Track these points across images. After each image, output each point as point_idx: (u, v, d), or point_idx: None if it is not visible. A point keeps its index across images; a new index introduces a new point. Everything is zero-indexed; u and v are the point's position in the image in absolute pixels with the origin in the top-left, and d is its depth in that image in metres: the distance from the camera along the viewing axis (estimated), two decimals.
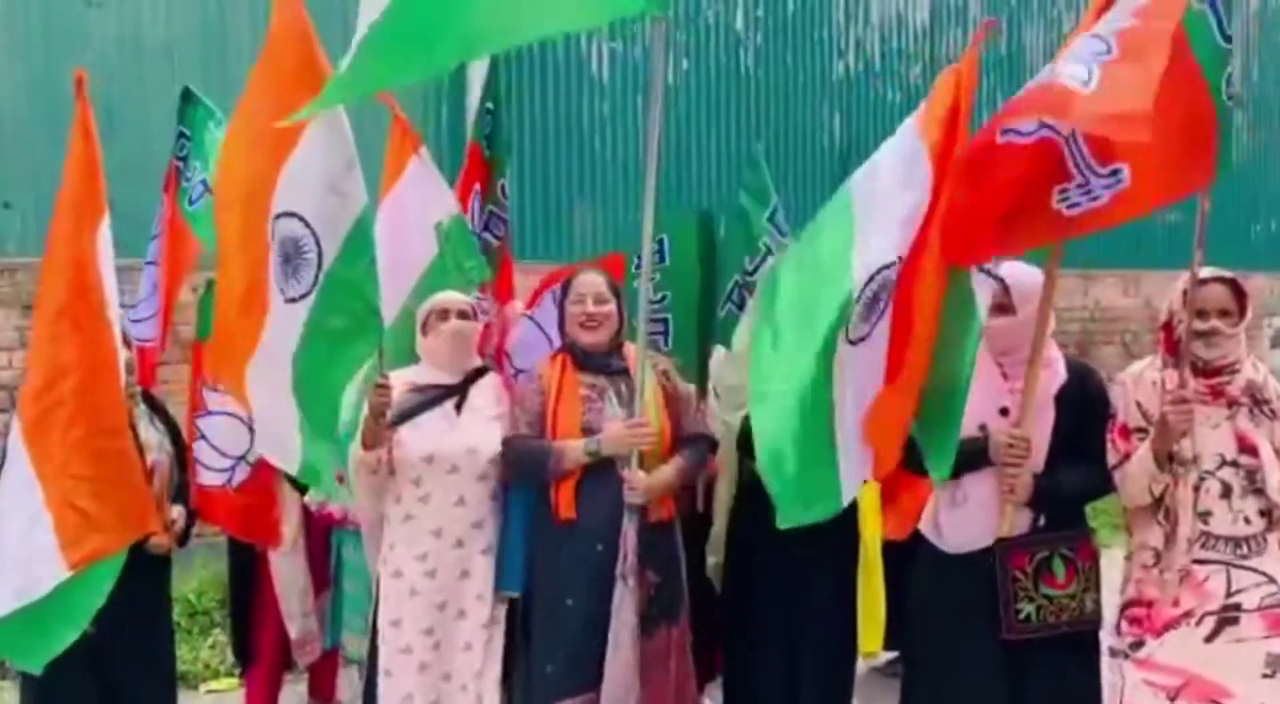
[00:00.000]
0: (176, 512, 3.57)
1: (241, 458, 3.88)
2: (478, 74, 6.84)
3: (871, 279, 2.95)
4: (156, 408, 3.66)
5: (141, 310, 4.30)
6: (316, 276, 3.20)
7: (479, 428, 3.57)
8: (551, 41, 7.44)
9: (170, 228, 4.23)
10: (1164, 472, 3.08)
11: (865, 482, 3.26)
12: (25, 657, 3.10)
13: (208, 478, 3.83)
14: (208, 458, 3.85)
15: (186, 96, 4.29)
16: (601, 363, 3.54)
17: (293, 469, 3.34)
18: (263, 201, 3.15)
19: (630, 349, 3.55)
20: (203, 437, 3.86)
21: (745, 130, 8.07)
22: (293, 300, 3.22)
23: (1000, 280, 3.15)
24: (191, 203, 4.19)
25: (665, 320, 4.26)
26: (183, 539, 3.62)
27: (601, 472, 3.42)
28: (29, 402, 3.07)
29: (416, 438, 3.52)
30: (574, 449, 3.41)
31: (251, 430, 3.65)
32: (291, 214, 3.19)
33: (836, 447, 3.01)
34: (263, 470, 3.87)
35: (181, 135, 4.26)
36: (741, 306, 4.23)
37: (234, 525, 3.99)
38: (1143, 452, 3.12)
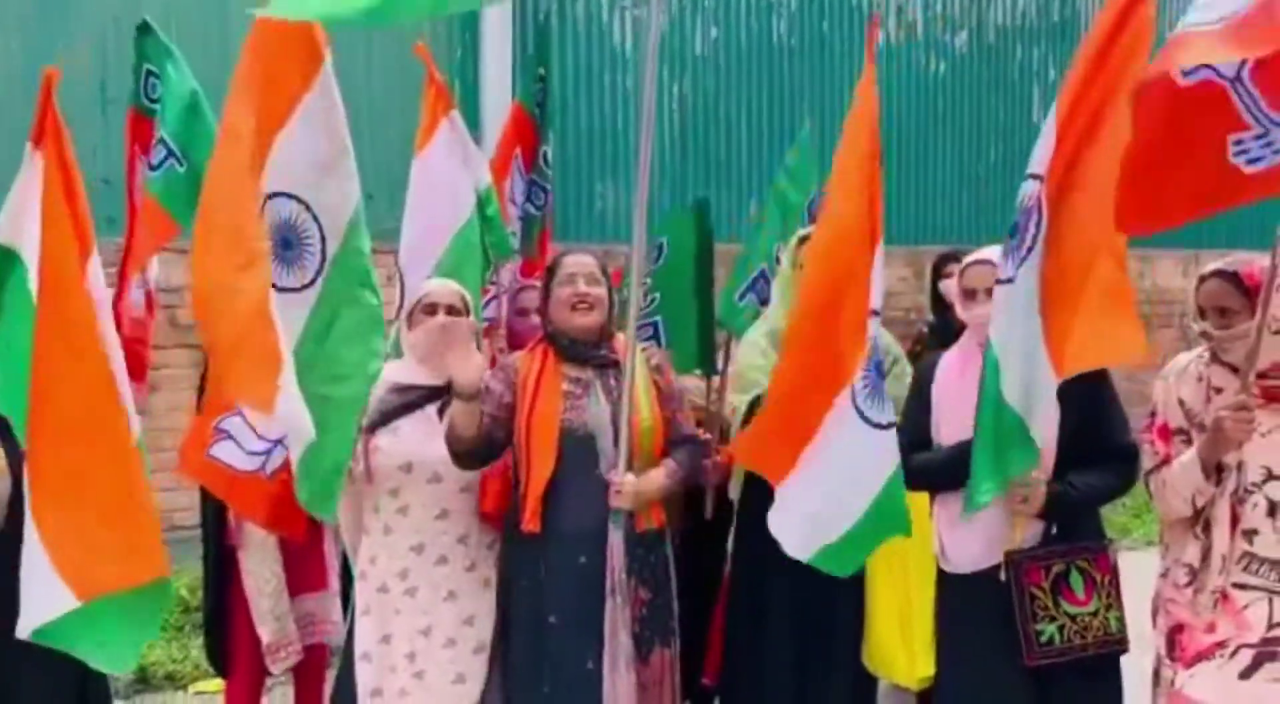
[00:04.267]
0: None
1: (279, 442, 3.52)
2: (496, 27, 6.68)
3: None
4: None
5: None
6: (321, 266, 3.06)
7: None
8: (571, 14, 7.18)
9: (133, 195, 3.91)
10: (1211, 482, 2.79)
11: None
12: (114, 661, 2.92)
13: (241, 461, 3.52)
14: (244, 437, 3.53)
15: (145, 29, 3.92)
16: (588, 353, 3.27)
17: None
18: (253, 179, 2.98)
19: (620, 339, 3.29)
20: (239, 413, 3.54)
21: (778, 103, 7.76)
22: (289, 290, 3.05)
23: (988, 262, 2.99)
24: (153, 168, 3.83)
25: (654, 323, 4.05)
26: None
27: (582, 474, 3.15)
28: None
29: (394, 444, 3.27)
30: (455, 405, 3.12)
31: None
32: (288, 195, 3.04)
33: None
34: None
35: (149, 74, 3.88)
36: (764, 301, 3.96)
37: (262, 516, 3.65)
38: (1188, 458, 2.84)
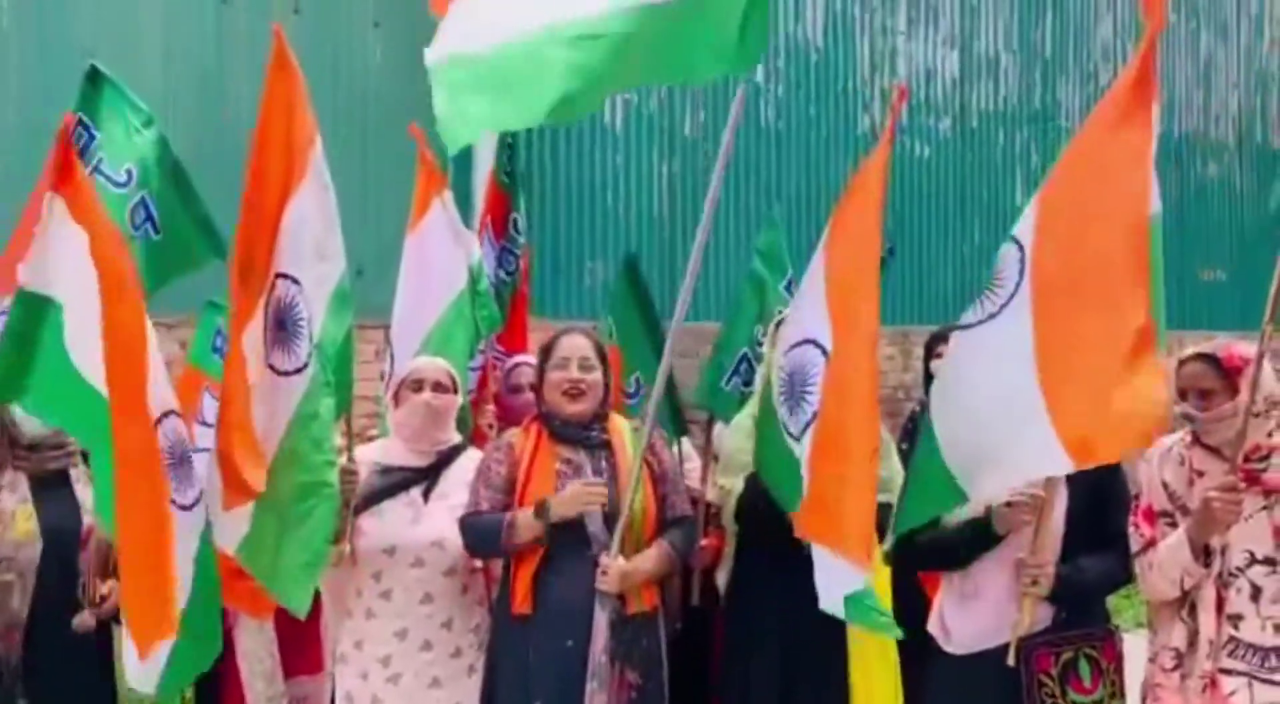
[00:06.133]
0: (109, 586, 3.31)
1: None
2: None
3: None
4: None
5: None
6: (310, 351, 3.06)
7: (448, 517, 3.25)
8: None
9: None
10: (1199, 564, 2.79)
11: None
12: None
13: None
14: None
15: (94, 77, 3.78)
16: (580, 435, 3.25)
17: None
18: (264, 262, 3.05)
19: (615, 420, 3.29)
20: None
21: (764, 185, 7.86)
22: (284, 373, 3.05)
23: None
24: (135, 228, 3.74)
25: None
26: (117, 616, 3.35)
27: (573, 556, 3.13)
28: None
29: (377, 527, 3.24)
30: (525, 516, 3.12)
31: None
32: (287, 276, 3.08)
33: None
34: None
35: (81, 124, 3.66)
36: (748, 382, 3.96)
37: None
38: (1174, 540, 2.84)
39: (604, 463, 3.21)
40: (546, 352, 3.33)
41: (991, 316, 2.81)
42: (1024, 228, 2.83)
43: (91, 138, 3.74)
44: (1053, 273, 2.75)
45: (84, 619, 3.21)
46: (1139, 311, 2.62)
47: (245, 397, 3.01)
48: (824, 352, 3.03)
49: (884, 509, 3.05)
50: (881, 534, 3.39)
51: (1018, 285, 2.78)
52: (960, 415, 2.83)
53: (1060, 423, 2.66)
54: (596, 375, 3.26)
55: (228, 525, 3.05)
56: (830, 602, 2.97)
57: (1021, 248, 2.80)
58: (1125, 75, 2.82)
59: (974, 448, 2.79)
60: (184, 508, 2.91)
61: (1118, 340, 2.62)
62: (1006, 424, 2.72)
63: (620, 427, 3.31)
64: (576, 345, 3.29)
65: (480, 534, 3.17)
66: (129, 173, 3.74)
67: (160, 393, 2.87)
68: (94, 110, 3.77)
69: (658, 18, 2.96)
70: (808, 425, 3.03)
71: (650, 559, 3.19)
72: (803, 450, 3.04)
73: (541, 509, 3.10)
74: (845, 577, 2.90)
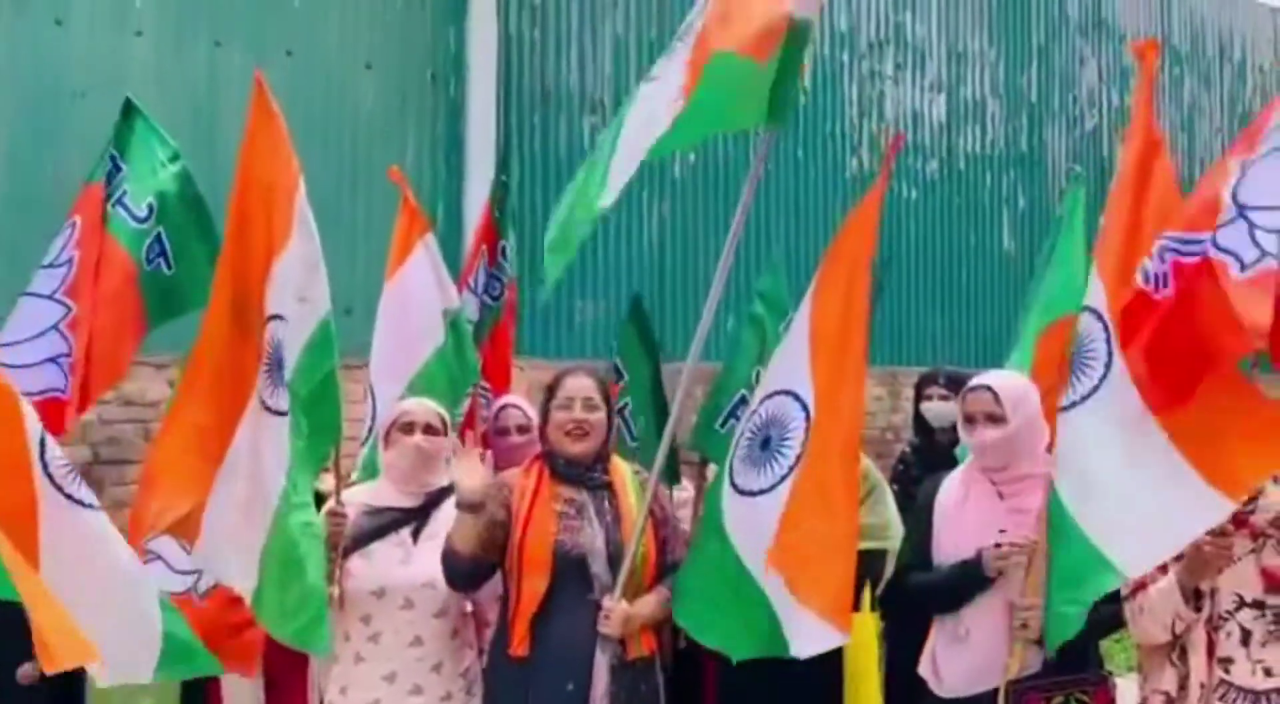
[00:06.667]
0: None
1: None
2: (478, 160, 6.85)
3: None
4: None
5: (25, 353, 3.56)
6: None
7: (437, 559, 3.19)
8: (553, 135, 7.37)
9: (102, 261, 3.71)
10: (1190, 607, 2.78)
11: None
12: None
13: (171, 582, 3.42)
14: (172, 557, 3.44)
15: (127, 111, 3.82)
16: (583, 476, 3.22)
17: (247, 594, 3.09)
18: (257, 301, 3.08)
19: (617, 462, 3.27)
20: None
21: (753, 226, 7.89)
22: (276, 412, 3.08)
23: (987, 387, 3.00)
24: (149, 262, 3.75)
25: (627, 420, 4.10)
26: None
27: (574, 598, 3.09)
28: None
29: (366, 569, 3.20)
30: (457, 516, 3.10)
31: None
32: (278, 316, 3.10)
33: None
34: None
35: (111, 157, 3.74)
36: None
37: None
38: (1165, 584, 2.82)
39: (606, 504, 3.18)
40: (551, 391, 3.30)
41: (1096, 389, 2.78)
42: (1095, 297, 2.84)
43: (118, 170, 3.78)
44: (1140, 336, 2.75)
45: (27, 670, 3.18)
46: (1235, 339, 2.60)
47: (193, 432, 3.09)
48: (802, 405, 3.06)
49: (873, 556, 3.04)
50: (875, 581, 3.39)
51: (1110, 355, 2.78)
52: (1101, 494, 2.78)
53: (1206, 469, 2.65)
54: (600, 415, 3.24)
55: (233, 564, 3.09)
56: (804, 650, 2.99)
57: (1101, 317, 2.81)
58: (1133, 127, 2.86)
59: (1124, 523, 2.75)
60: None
61: (1227, 379, 2.63)
62: (1153, 491, 2.70)
63: (622, 469, 3.29)
64: (581, 385, 3.26)
65: (446, 564, 3.13)
66: (150, 207, 3.77)
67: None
68: (124, 144, 3.82)
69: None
70: (784, 478, 3.04)
71: (651, 604, 3.16)
72: (775, 503, 3.04)
73: (459, 498, 3.09)
74: (824, 634, 2.94)
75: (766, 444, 3.11)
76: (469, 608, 3.35)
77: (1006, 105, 9.49)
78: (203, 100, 6.14)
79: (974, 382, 3.20)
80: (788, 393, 3.10)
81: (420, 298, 3.93)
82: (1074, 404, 2.81)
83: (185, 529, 3.14)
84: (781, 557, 3.00)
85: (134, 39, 6.09)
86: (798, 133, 8.28)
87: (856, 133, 8.55)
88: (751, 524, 3.06)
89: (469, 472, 3.09)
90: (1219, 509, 2.67)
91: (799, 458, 3.03)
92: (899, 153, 8.66)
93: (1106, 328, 2.79)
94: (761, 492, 3.08)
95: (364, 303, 4.48)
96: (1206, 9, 10.94)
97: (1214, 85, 10.99)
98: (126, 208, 3.75)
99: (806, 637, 2.98)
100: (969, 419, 3.14)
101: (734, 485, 3.14)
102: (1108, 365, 2.77)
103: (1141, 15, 10.46)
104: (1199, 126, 10.82)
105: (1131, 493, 2.73)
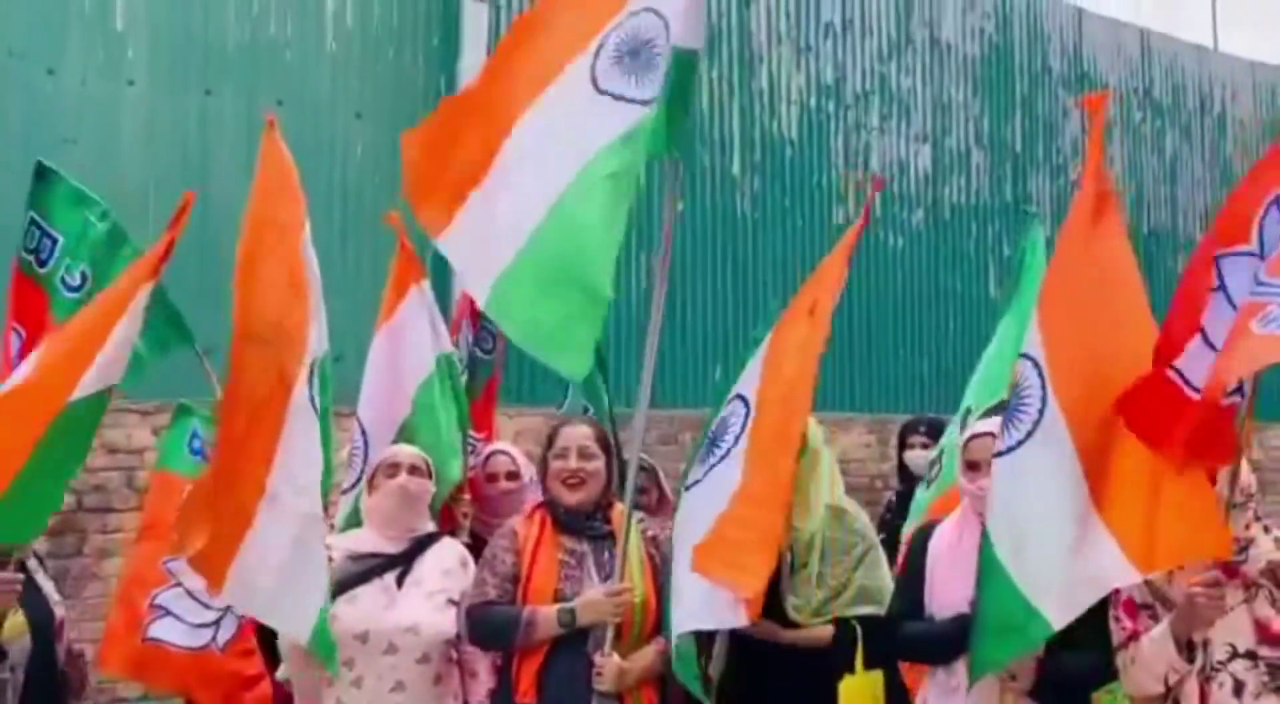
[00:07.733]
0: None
1: (228, 608, 3.42)
2: None
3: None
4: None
5: None
6: None
7: (422, 603, 3.23)
8: None
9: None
10: (1183, 658, 2.76)
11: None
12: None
13: (186, 638, 3.39)
14: (185, 610, 3.42)
15: (41, 174, 3.73)
16: (583, 525, 3.23)
17: (304, 637, 3.05)
18: (290, 337, 3.09)
19: (619, 511, 3.25)
20: (177, 583, 3.45)
21: (740, 274, 7.93)
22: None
23: (993, 435, 2.98)
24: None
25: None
26: None
27: (574, 648, 3.08)
28: None
29: (350, 612, 3.19)
30: (546, 617, 3.09)
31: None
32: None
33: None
34: (251, 628, 3.46)
35: (34, 224, 3.64)
36: None
37: (219, 697, 3.50)
38: (1158, 634, 2.80)
39: (607, 554, 3.18)
40: (549, 440, 3.33)
41: (1029, 435, 2.81)
42: (1032, 343, 2.87)
43: (54, 242, 3.69)
44: (1075, 383, 2.79)
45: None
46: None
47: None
48: (745, 403, 3.15)
49: (869, 621, 3.05)
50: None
51: (1044, 400, 2.80)
52: (1025, 542, 2.80)
53: (1120, 534, 2.69)
54: (598, 464, 3.25)
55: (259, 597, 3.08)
56: (681, 628, 3.03)
57: (1037, 364, 2.83)
58: (1085, 178, 2.91)
59: (1047, 573, 2.77)
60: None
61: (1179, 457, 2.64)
62: (1072, 543, 2.72)
63: (624, 517, 3.29)
64: (577, 434, 3.29)
65: (494, 628, 3.15)
66: (84, 275, 3.70)
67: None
68: (47, 208, 3.73)
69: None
70: (711, 469, 3.12)
71: (648, 656, 3.14)
72: (708, 491, 3.10)
73: (567, 616, 3.08)
74: (719, 612, 2.97)
75: (712, 442, 3.21)
76: (454, 655, 3.32)
77: (991, 155, 9.58)
78: (194, 149, 6.17)
79: (978, 429, 3.20)
80: (738, 397, 3.20)
81: (414, 342, 3.92)
82: (1010, 449, 2.83)
83: (210, 562, 3.04)
84: (708, 552, 3.02)
85: (126, 88, 6.11)
86: (785, 182, 8.34)
87: (843, 182, 8.62)
88: (688, 514, 3.15)
89: (598, 606, 3.09)
90: (1126, 577, 2.72)
91: (730, 450, 3.11)
92: (885, 200, 8.76)
93: (1042, 375, 2.81)
94: (696, 483, 3.16)
95: (355, 350, 4.47)
96: (1187, 62, 11.10)
97: (1195, 137, 11.13)
98: (64, 282, 3.69)
99: (692, 613, 3.02)
100: (971, 465, 3.12)
101: (685, 485, 3.24)
102: (1041, 411, 2.79)
103: (1122, 67, 10.61)
104: (1181, 177, 10.94)
105: (1055, 545, 2.75)
